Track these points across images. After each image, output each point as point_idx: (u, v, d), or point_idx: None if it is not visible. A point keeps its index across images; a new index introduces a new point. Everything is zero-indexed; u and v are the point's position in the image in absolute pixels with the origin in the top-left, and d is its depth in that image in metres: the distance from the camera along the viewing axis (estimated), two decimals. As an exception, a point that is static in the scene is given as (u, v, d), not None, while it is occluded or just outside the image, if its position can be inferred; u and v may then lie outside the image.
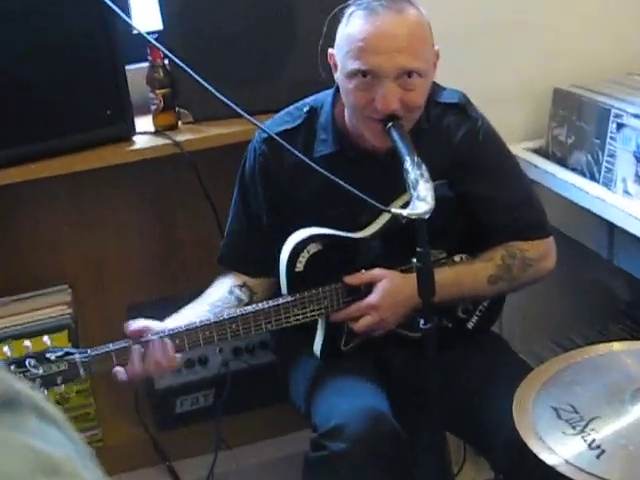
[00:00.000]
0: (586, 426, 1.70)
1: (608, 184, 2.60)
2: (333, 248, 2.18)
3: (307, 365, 2.31)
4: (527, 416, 1.76)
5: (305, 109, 2.25)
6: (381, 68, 2.01)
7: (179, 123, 2.71)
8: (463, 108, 2.25)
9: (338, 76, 2.13)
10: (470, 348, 2.32)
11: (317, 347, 2.25)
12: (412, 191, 1.86)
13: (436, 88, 2.23)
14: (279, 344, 2.51)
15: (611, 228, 2.58)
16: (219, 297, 2.22)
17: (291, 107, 2.29)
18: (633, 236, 2.44)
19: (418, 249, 1.86)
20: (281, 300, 2.16)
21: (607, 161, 2.61)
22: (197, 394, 2.88)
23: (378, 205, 1.91)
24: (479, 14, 2.79)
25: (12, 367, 1.95)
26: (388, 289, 2.16)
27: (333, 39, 2.11)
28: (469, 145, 2.24)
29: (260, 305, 2.14)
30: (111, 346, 2.04)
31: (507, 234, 2.28)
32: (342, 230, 2.20)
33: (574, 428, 1.71)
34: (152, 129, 2.68)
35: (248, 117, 2.03)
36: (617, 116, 2.56)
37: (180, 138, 2.62)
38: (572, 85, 2.83)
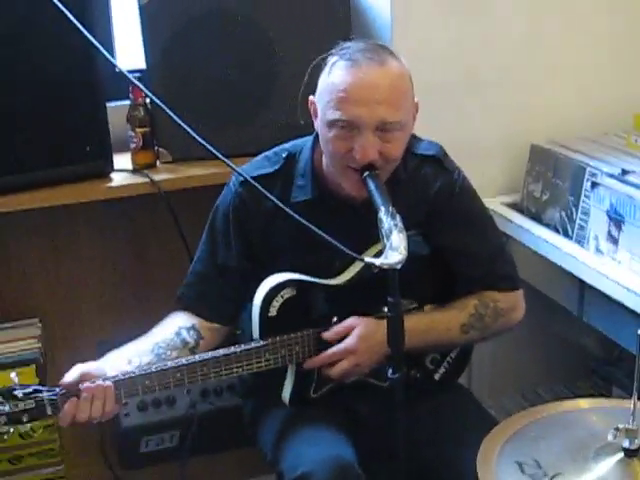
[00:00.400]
0: (549, 482, 1.71)
1: (581, 241, 2.62)
2: (307, 294, 2.18)
3: (275, 412, 2.30)
4: (490, 470, 1.75)
5: (284, 154, 2.26)
6: (361, 119, 2.02)
7: (157, 162, 2.73)
8: (440, 161, 2.27)
9: (318, 124, 2.13)
10: (436, 400, 2.32)
11: (286, 394, 2.24)
12: (385, 241, 1.87)
13: (414, 139, 2.25)
14: (246, 389, 2.49)
15: (582, 285, 2.59)
16: (163, 338, 2.18)
17: (269, 152, 2.29)
18: (603, 294, 2.46)
19: (389, 299, 1.86)
20: (253, 344, 2.15)
21: (581, 219, 2.63)
22: (163, 434, 2.86)
23: (351, 253, 1.90)
24: (460, 69, 2.82)
25: None
26: (364, 334, 2.17)
27: (314, 86, 2.13)
28: (445, 197, 2.26)
29: (232, 348, 2.13)
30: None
31: (480, 285, 2.31)
32: (317, 276, 2.20)
33: (537, 483, 1.71)
34: (130, 167, 2.70)
35: (225, 160, 2.01)
36: (592, 175, 2.59)
37: (158, 177, 2.64)
38: (549, 141, 2.86)
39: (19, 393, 1.96)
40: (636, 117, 2.91)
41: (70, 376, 2.00)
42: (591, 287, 2.53)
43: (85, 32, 2.19)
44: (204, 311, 2.27)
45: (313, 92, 2.14)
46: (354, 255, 1.92)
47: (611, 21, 2.95)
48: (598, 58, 2.97)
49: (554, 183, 2.77)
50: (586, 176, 2.62)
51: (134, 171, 2.68)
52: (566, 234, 2.69)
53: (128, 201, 2.67)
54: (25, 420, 1.96)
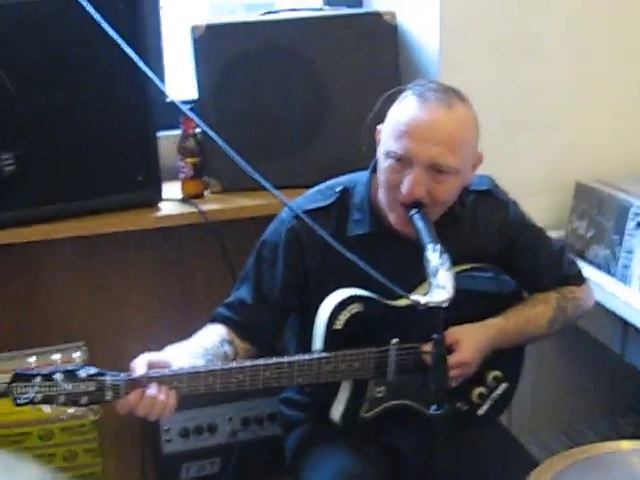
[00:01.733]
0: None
1: (624, 280, 2.63)
2: (373, 312, 2.18)
3: (318, 452, 2.31)
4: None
5: (337, 189, 2.27)
6: (415, 156, 2.04)
7: (206, 192, 2.76)
8: (494, 194, 2.32)
9: (379, 153, 2.16)
10: (476, 436, 2.31)
11: (336, 412, 2.22)
12: (432, 279, 1.88)
13: None
14: (288, 423, 2.49)
15: (625, 324, 2.59)
16: (211, 345, 2.16)
17: (322, 186, 2.31)
18: (646, 334, 2.46)
19: (434, 336, 1.88)
20: (315, 355, 2.13)
21: (624, 257, 2.64)
22: (204, 461, 2.88)
23: (398, 290, 1.91)
24: (509, 106, 2.84)
25: (38, 379, 1.88)
26: (474, 344, 2.18)
27: (382, 117, 2.15)
28: (508, 228, 2.30)
29: (296, 356, 2.11)
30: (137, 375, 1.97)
31: (553, 288, 2.37)
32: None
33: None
34: (179, 196, 2.73)
35: (276, 192, 2.02)
36: (636, 214, 2.60)
37: (206, 207, 2.67)
38: (594, 180, 2.86)
39: (82, 374, 1.92)
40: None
41: (139, 364, 1.97)
42: (634, 326, 2.52)
43: (138, 61, 2.23)
44: (240, 332, 2.25)
45: (380, 122, 2.16)
46: (401, 292, 1.93)
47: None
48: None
49: (598, 221, 2.77)
50: (630, 215, 2.62)
51: (183, 200, 2.72)
52: (610, 272, 2.70)
53: (176, 230, 2.71)
54: (84, 402, 1.92)
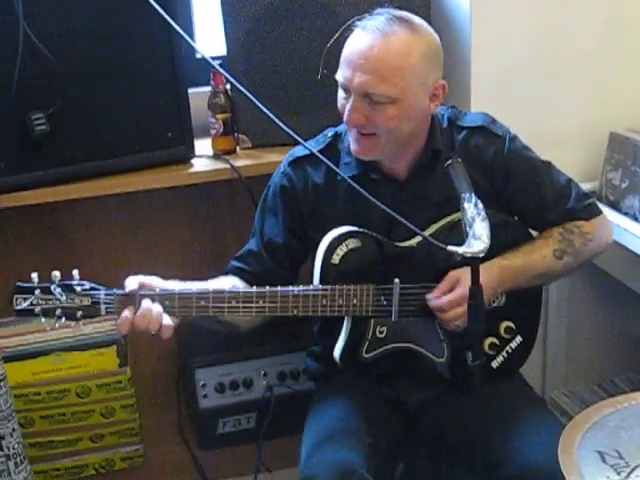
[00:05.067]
0: (631, 472, 1.70)
1: (660, 230, 2.61)
2: (370, 249, 2.20)
3: (323, 405, 2.36)
4: (572, 458, 1.76)
5: (330, 134, 2.34)
6: (348, 83, 2.10)
7: (237, 148, 2.76)
8: (488, 129, 2.30)
9: None
10: (493, 392, 2.26)
11: (337, 350, 2.25)
12: (468, 229, 1.89)
13: (458, 114, 2.31)
14: (313, 374, 2.55)
15: (661, 274, 2.58)
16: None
17: (320, 134, 2.37)
18: (683, 283, 2.44)
19: (472, 287, 1.88)
20: (311, 287, 2.17)
21: (660, 207, 2.62)
22: (240, 416, 2.90)
23: (430, 239, 1.94)
24: (540, 55, 2.80)
25: (37, 292, 2.00)
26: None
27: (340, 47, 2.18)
28: (501, 161, 2.28)
29: (291, 287, 2.15)
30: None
31: (559, 224, 2.34)
32: None
33: (619, 474, 1.71)
34: (210, 153, 2.73)
35: (304, 143, 2.14)
36: (672, 163, 2.57)
37: (238, 163, 2.67)
38: (628, 130, 2.83)
39: (78, 288, 2.03)
40: None
41: (130, 282, 2.07)
42: (671, 276, 2.51)
43: (168, 18, 2.23)
44: (251, 281, 2.30)
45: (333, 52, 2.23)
46: (432, 241, 1.95)
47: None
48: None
49: (633, 171, 2.75)
50: (666, 164, 2.60)
51: (215, 157, 2.72)
52: (645, 223, 2.68)
53: (208, 186, 2.71)
54: (79, 316, 2.03)
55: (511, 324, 2.32)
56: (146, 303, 2.03)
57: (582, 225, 2.33)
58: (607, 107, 2.90)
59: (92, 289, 2.04)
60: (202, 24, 2.95)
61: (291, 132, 2.07)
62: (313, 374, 2.55)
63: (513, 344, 2.35)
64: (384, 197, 2.15)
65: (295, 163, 2.31)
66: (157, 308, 2.04)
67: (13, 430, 2.49)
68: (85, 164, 2.55)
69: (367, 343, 2.22)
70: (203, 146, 2.74)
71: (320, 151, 2.26)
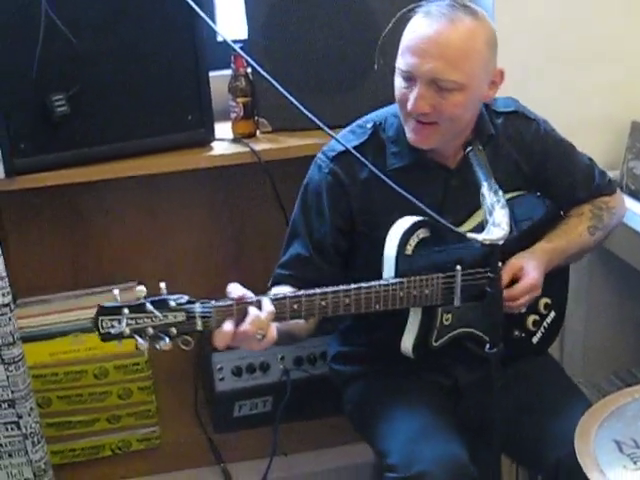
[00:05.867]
0: (648, 462, 1.70)
1: (681, 220, 2.59)
2: (440, 237, 2.17)
3: (382, 398, 2.33)
4: (589, 447, 1.76)
5: (369, 125, 2.28)
6: (414, 70, 2.05)
7: (257, 132, 2.76)
8: (523, 114, 2.33)
9: None
10: (533, 370, 2.37)
11: (408, 342, 2.22)
12: (488, 216, 1.89)
13: (489, 100, 2.28)
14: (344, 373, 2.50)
15: (681, 263, 2.57)
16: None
17: (353, 125, 2.32)
18: (703, 273, 2.43)
19: (490, 275, 1.88)
20: (390, 280, 2.13)
21: (681, 196, 2.60)
22: (256, 399, 2.91)
23: (453, 228, 1.93)
24: (561, 45, 2.78)
25: (126, 310, 1.81)
26: (538, 266, 2.21)
27: (397, 36, 2.14)
28: (540, 144, 2.32)
29: (372, 282, 2.10)
30: (228, 301, 1.90)
31: (588, 200, 2.41)
32: None
33: (635, 463, 1.71)
34: (231, 136, 2.73)
35: (326, 129, 2.05)
36: (694, 152, 2.55)
37: (258, 147, 2.66)
38: (650, 118, 2.82)
39: (171, 302, 1.85)
40: None
41: (234, 289, 1.92)
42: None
43: (189, 1, 2.23)
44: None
45: (392, 42, 2.17)
46: (456, 229, 1.94)
47: None
48: None
49: (655, 160, 2.74)
50: (688, 154, 2.58)
51: (235, 140, 2.71)
52: (666, 212, 2.66)
53: (228, 170, 2.71)
54: (174, 334, 1.83)
55: (548, 300, 2.37)
56: (253, 310, 1.90)
57: (608, 200, 2.42)
58: (629, 96, 2.89)
59: (188, 302, 1.87)
60: (223, 7, 2.94)
61: (313, 117, 2.04)
62: (345, 378, 2.48)
63: (549, 319, 2.40)
64: (435, 184, 2.18)
65: (338, 158, 2.23)
66: (264, 314, 1.91)
67: (31, 410, 2.51)
68: (104, 146, 2.54)
69: (436, 332, 2.22)
70: (223, 130, 2.74)
71: (362, 143, 2.23)
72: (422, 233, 2.15)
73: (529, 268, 2.18)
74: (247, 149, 2.65)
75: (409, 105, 2.08)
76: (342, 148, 2.20)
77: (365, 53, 2.62)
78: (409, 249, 2.14)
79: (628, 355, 3.19)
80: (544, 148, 2.32)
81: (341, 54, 2.66)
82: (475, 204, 2.08)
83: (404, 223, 2.15)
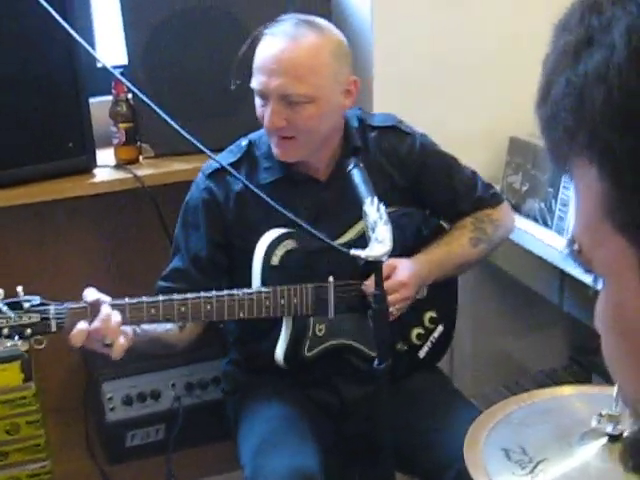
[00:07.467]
0: (535, 467, 1.73)
1: (560, 231, 2.66)
2: (306, 249, 2.22)
3: (256, 411, 2.34)
4: (478, 457, 1.78)
5: (243, 143, 2.36)
6: (265, 88, 2.14)
7: (140, 157, 2.74)
8: (398, 128, 2.38)
9: None
10: (420, 384, 2.40)
11: (280, 352, 2.26)
12: (371, 233, 1.91)
13: (366, 115, 2.39)
14: (231, 386, 2.52)
15: (562, 275, 2.63)
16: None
17: (232, 145, 2.38)
18: (582, 283, 2.48)
19: (375, 292, 1.90)
20: (254, 289, 2.19)
21: (560, 209, 2.67)
22: (148, 428, 2.87)
23: (329, 242, 1.96)
24: (442, 62, 2.84)
25: None
26: (410, 268, 2.24)
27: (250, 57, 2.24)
28: (413, 158, 2.36)
29: (235, 290, 2.17)
30: (82, 303, 2.01)
31: (471, 213, 2.44)
32: None
33: (523, 469, 1.74)
34: (113, 162, 2.71)
35: (205, 150, 2.10)
36: (571, 166, 2.61)
37: (141, 172, 2.65)
38: (528, 134, 2.88)
39: (26, 304, 1.94)
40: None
41: (90, 293, 2.02)
42: (571, 277, 2.55)
43: (67, 27, 2.20)
44: None
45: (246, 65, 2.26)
46: (339, 248, 1.96)
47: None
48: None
49: (533, 175, 2.80)
50: (565, 167, 2.64)
51: (117, 166, 2.69)
52: (545, 225, 2.72)
53: (111, 196, 2.68)
54: (28, 334, 1.94)
55: (434, 314, 2.41)
56: (106, 309, 1.98)
57: (491, 213, 2.44)
58: (508, 111, 2.94)
59: (41, 304, 1.97)
60: (103, 33, 2.92)
61: (194, 141, 2.06)
62: (236, 383, 2.52)
63: (436, 333, 2.43)
64: (307, 198, 2.23)
65: (213, 175, 2.30)
66: (116, 317, 1.99)
67: None
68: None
69: (308, 342, 2.25)
70: (106, 156, 2.71)
71: (238, 160, 2.30)
72: (289, 244, 2.20)
73: (400, 268, 2.22)
74: (130, 175, 2.63)
75: (265, 121, 2.16)
76: (218, 166, 2.26)
77: (243, 79, 2.63)
78: (275, 260, 2.20)
79: (514, 367, 3.24)
80: (421, 162, 2.36)
81: (219, 78, 2.67)
82: (355, 215, 2.12)
83: (271, 235, 2.21)
